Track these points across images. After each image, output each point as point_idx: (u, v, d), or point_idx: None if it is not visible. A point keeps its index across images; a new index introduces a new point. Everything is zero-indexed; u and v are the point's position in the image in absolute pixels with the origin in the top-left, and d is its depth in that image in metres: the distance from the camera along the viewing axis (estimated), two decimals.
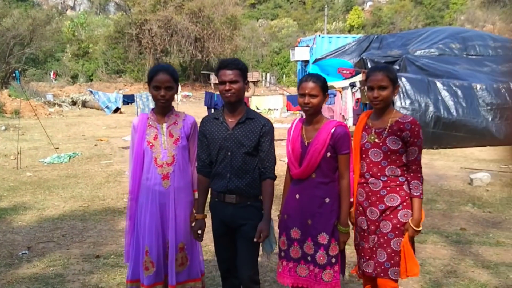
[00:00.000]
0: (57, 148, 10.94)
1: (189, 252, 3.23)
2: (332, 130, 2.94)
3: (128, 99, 10.87)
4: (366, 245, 3.07)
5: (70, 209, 6.50)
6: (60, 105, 22.21)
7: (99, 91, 12.26)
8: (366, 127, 3.12)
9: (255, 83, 30.48)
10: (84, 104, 22.69)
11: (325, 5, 54.73)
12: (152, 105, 10.77)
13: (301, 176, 3.00)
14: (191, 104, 26.09)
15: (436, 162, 9.85)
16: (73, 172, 8.83)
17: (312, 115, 3.02)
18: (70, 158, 9.97)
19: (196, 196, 3.25)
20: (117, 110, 11.59)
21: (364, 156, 3.08)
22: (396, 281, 3.00)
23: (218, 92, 16.09)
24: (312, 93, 2.95)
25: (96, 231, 5.58)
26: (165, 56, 37.58)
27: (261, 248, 3.20)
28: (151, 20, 34.03)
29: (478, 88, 12.01)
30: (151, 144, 3.14)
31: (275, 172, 3.14)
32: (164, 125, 3.18)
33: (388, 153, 2.97)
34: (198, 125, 3.27)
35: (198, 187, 3.21)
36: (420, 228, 2.95)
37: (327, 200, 2.98)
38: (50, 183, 7.95)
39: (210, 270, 4.40)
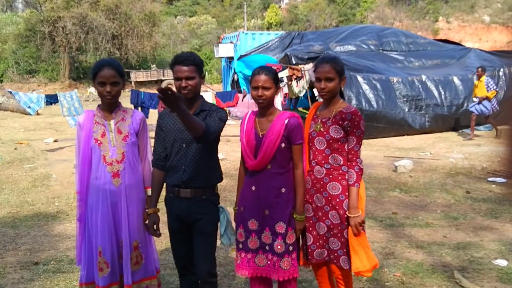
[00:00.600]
0: None
1: (143, 250, 3.18)
2: (286, 121, 3.02)
3: (51, 99, 10.33)
4: (314, 233, 3.15)
5: None
6: None
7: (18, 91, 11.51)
8: (315, 116, 3.23)
9: None
10: None
11: (243, 2, 55.12)
12: (77, 104, 10.35)
13: (256, 167, 3.06)
14: None
15: (362, 152, 10.31)
16: None
17: (266, 107, 3.07)
18: None
19: (149, 193, 3.21)
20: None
21: (310, 144, 3.18)
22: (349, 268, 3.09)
23: (143, 90, 15.62)
24: (265, 85, 3.00)
25: (30, 238, 5.30)
26: (81, 54, 35.98)
27: (219, 242, 3.23)
28: (64, 17, 32.39)
29: (395, 81, 12.72)
30: (99, 142, 3.05)
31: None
32: (112, 122, 3.10)
33: (331, 141, 3.07)
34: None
35: (152, 180, 3.16)
36: (357, 215, 3.00)
37: (283, 190, 3.06)
38: None
39: (164, 268, 4.35)
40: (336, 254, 3.09)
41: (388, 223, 5.65)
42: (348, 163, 3.08)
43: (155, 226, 3.16)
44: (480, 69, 11.71)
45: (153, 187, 3.17)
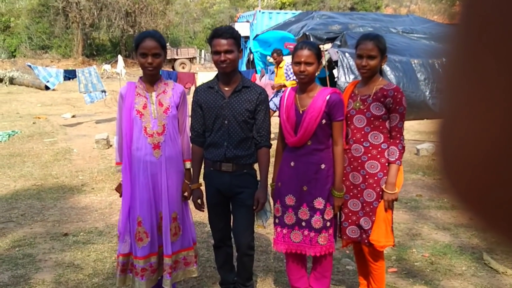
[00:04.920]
0: None
1: (181, 222, 3.20)
2: (327, 97, 2.97)
3: (70, 75, 10.32)
4: (346, 210, 3.15)
5: (23, 188, 6.17)
6: None
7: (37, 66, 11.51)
8: (353, 94, 3.18)
9: (191, 59, 30.04)
10: (12, 81, 21.24)
11: None
12: (96, 80, 10.34)
13: (297, 144, 3.03)
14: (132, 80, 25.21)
15: None
16: (16, 150, 8.33)
17: (307, 83, 3.03)
18: (9, 136, 9.38)
19: (187, 166, 3.21)
20: (47, 88, 11.00)
21: (349, 122, 3.14)
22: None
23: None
24: (308, 60, 2.95)
25: (57, 209, 5.35)
26: (94, 31, 35.84)
27: (256, 217, 3.23)
28: None
29: (416, 63, 12.56)
30: (140, 113, 3.04)
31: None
32: (154, 94, 3.09)
33: (372, 119, 3.03)
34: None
35: (192, 157, 3.16)
36: (394, 191, 3.01)
37: (322, 166, 3.03)
38: None
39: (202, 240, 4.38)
40: (368, 234, 3.08)
41: (413, 205, 5.62)
42: (391, 140, 3.05)
43: (199, 201, 3.17)
44: (275, 54, 9.00)
45: (194, 163, 3.17)
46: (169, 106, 3.10)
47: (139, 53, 2.98)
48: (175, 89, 3.16)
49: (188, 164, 3.22)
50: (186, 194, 3.19)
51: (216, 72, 3.15)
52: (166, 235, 3.09)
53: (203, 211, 3.25)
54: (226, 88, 3.04)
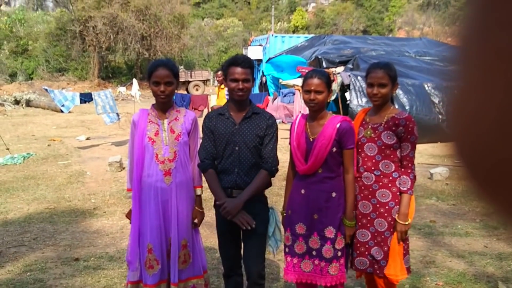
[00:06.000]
0: (8, 149, 10.40)
1: (191, 249, 3.20)
2: (338, 125, 2.98)
3: (86, 98, 10.48)
4: (354, 240, 3.11)
5: (36, 211, 6.21)
6: (1, 104, 21.07)
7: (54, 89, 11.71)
8: (364, 122, 3.17)
9: (204, 82, 30.34)
10: (28, 103, 21.59)
11: (270, 5, 55.24)
12: (112, 103, 10.47)
13: (308, 171, 3.02)
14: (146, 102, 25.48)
15: None
16: (31, 173, 8.42)
17: (317, 111, 3.04)
18: (24, 159, 9.50)
19: (197, 192, 3.21)
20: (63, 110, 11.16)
21: (359, 150, 3.12)
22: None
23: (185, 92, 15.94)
24: (318, 89, 2.96)
25: (69, 234, 5.36)
26: (110, 54, 36.49)
27: (266, 244, 3.20)
28: (95, 17, 32.86)
29: (429, 86, 12.53)
30: (152, 140, 3.08)
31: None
32: (166, 121, 3.13)
33: (383, 147, 3.02)
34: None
35: (210, 180, 3.07)
36: (408, 222, 2.99)
37: (333, 194, 3.02)
38: (8, 185, 7.53)
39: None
40: (379, 265, 3.03)
41: (426, 231, 5.54)
42: (403, 170, 3.02)
43: (241, 216, 2.99)
44: (220, 72, 8.23)
45: (215, 186, 3.04)
46: (180, 133, 3.13)
47: (152, 81, 3.04)
48: (186, 116, 3.20)
49: (198, 191, 3.23)
50: (196, 221, 3.19)
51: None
52: (174, 262, 3.08)
53: (253, 223, 3.02)
54: (237, 115, 3.06)
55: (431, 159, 10.09)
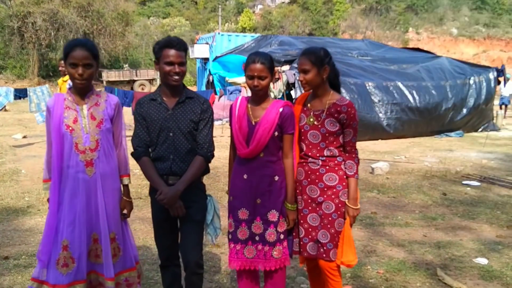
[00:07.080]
0: None
1: (120, 242, 2.98)
2: (280, 110, 2.94)
3: (20, 94, 9.98)
4: (306, 225, 3.07)
5: None
6: None
7: None
8: (305, 108, 3.13)
9: (150, 81, 29.87)
10: None
11: (217, 6, 55.11)
12: (48, 99, 10.00)
13: (249, 155, 2.96)
14: None
15: None
16: None
17: (262, 96, 3.00)
18: None
19: (124, 182, 3.00)
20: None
21: (303, 138, 3.09)
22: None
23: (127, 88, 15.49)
24: (261, 75, 2.91)
25: (0, 232, 5.05)
26: (51, 51, 35.10)
27: (204, 233, 3.12)
28: (34, 13, 31.55)
29: (370, 85, 12.85)
30: (70, 128, 2.79)
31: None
32: (85, 107, 2.84)
33: (326, 135, 3.00)
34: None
35: (146, 168, 2.94)
36: (358, 207, 3.01)
37: (276, 178, 2.99)
38: None
39: (143, 263, 4.21)
40: (325, 248, 3.00)
41: (368, 222, 5.63)
42: (347, 155, 3.03)
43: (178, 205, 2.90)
44: (62, 61, 6.56)
45: (152, 173, 2.93)
46: (102, 119, 2.87)
47: (68, 63, 2.74)
48: (108, 100, 2.93)
49: (125, 180, 3.01)
50: (125, 211, 3.02)
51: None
52: (107, 257, 2.87)
53: (184, 212, 2.94)
54: (170, 100, 2.95)
55: (372, 155, 10.34)
